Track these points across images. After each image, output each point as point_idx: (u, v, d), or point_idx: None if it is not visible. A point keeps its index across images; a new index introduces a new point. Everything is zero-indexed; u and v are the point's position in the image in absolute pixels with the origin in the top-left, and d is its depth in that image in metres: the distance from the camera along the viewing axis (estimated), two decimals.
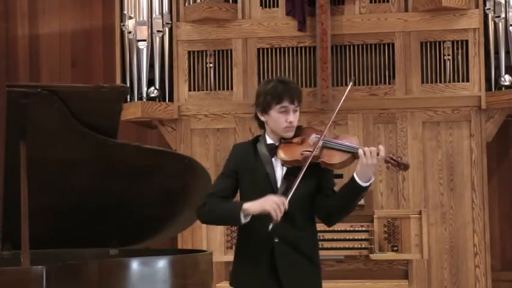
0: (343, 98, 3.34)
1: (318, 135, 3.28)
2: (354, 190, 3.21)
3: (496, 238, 6.97)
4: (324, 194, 3.32)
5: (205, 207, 3.35)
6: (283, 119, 3.29)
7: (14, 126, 3.24)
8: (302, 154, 3.24)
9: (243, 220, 3.22)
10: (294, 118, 3.30)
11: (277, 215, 3.13)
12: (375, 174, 6.21)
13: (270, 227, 3.15)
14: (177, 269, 3.41)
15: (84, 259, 3.56)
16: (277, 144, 3.34)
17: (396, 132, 6.55)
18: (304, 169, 3.19)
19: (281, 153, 3.29)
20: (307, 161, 3.20)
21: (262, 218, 3.17)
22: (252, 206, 3.20)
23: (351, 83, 3.63)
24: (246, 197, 3.31)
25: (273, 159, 3.33)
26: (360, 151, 3.16)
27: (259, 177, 3.30)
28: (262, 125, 3.40)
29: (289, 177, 3.28)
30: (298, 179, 3.19)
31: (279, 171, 3.32)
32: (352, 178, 3.20)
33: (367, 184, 3.19)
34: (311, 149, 3.23)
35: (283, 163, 3.29)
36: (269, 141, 3.36)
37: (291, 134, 3.32)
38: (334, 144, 3.25)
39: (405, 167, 3.20)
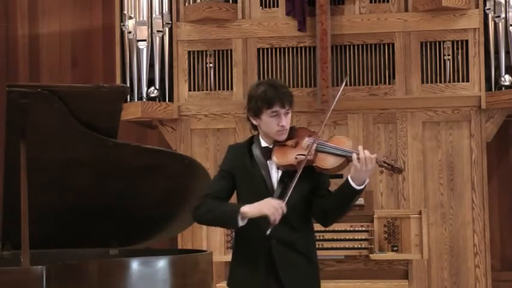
0: (338, 94, 3.34)
1: (311, 138, 3.27)
2: (348, 193, 3.20)
3: (496, 238, 6.97)
4: (319, 195, 3.32)
5: (201, 208, 3.33)
6: (274, 123, 3.28)
7: (14, 126, 3.24)
8: (296, 158, 3.24)
9: (240, 223, 3.22)
10: (285, 122, 3.29)
11: (276, 218, 3.13)
12: (375, 174, 6.27)
13: (269, 231, 3.15)
14: (177, 269, 3.40)
15: (84, 259, 3.56)
16: (271, 147, 3.33)
17: (396, 132, 6.55)
18: (299, 174, 3.19)
19: (275, 157, 3.28)
20: (302, 165, 3.20)
21: (259, 220, 3.18)
22: (250, 210, 3.19)
23: (345, 80, 3.59)
24: (243, 200, 3.31)
25: (268, 162, 3.32)
26: (354, 156, 3.15)
27: (255, 181, 3.30)
28: (255, 127, 3.40)
29: (284, 180, 3.28)
30: (293, 183, 3.19)
31: (275, 175, 3.32)
32: (347, 181, 3.19)
33: (362, 187, 3.18)
34: (305, 153, 3.23)
35: (278, 167, 3.29)
36: (263, 144, 3.35)
37: (283, 137, 3.32)
38: (328, 148, 3.23)
39: (399, 170, 3.19)
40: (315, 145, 3.23)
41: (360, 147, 3.19)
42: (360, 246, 5.65)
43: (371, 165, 3.13)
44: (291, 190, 3.18)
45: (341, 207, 3.28)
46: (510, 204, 7.08)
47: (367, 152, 3.15)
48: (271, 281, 3.30)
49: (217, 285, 5.49)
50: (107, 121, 3.42)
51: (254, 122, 3.36)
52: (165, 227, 4.02)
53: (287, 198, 3.18)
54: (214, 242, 5.72)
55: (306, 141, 3.28)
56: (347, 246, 5.67)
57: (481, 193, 6.43)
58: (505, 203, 7.06)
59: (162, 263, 3.36)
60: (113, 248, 3.91)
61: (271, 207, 3.14)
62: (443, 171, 6.48)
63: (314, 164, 3.23)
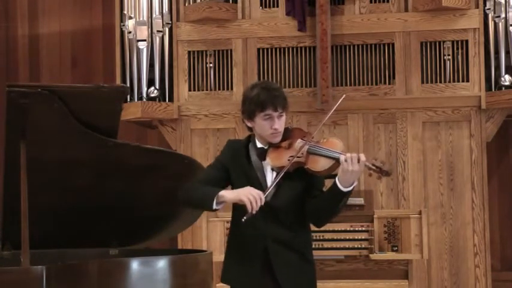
0: (334, 107, 3.36)
1: (304, 140, 3.29)
2: (336, 194, 3.21)
3: (496, 238, 6.97)
4: (312, 195, 3.33)
5: (185, 188, 3.36)
6: (268, 126, 3.30)
7: (14, 126, 3.24)
8: (289, 160, 3.26)
9: (215, 206, 3.22)
10: (279, 125, 3.30)
11: (253, 207, 3.13)
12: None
13: (244, 219, 3.15)
14: (177, 269, 3.40)
15: (84, 259, 3.56)
16: (266, 148, 3.35)
17: (396, 132, 6.55)
18: (284, 172, 3.22)
19: (269, 159, 3.32)
20: (289, 165, 3.23)
21: (255, 220, 3.18)
22: (228, 194, 3.22)
23: (344, 96, 3.56)
24: None
25: (263, 163, 3.34)
26: (342, 157, 3.15)
27: (250, 182, 3.31)
28: (250, 129, 3.41)
29: (278, 181, 3.29)
30: (278, 179, 3.22)
31: (269, 176, 3.34)
32: (334, 182, 3.20)
33: (349, 189, 3.18)
34: (297, 155, 3.25)
35: (272, 168, 3.32)
36: (259, 144, 3.38)
37: (277, 139, 3.33)
38: (319, 150, 3.25)
39: (387, 173, 3.17)
40: (306, 147, 3.25)
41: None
42: (360, 246, 5.65)
43: (357, 165, 3.13)
44: (274, 184, 3.22)
45: (330, 208, 3.29)
46: (510, 204, 7.08)
47: (353, 154, 3.16)
48: (268, 280, 3.31)
49: (217, 285, 5.49)
50: (107, 121, 3.42)
51: (248, 124, 3.39)
52: (165, 227, 4.02)
53: (269, 190, 3.21)
54: (214, 242, 5.72)
55: (299, 143, 3.30)
56: (347, 246, 5.67)
57: (481, 193, 6.43)
58: (505, 203, 7.06)
59: (162, 263, 3.36)
60: (113, 248, 3.91)
61: (249, 195, 3.14)
62: (443, 171, 6.48)
63: (306, 166, 3.25)
